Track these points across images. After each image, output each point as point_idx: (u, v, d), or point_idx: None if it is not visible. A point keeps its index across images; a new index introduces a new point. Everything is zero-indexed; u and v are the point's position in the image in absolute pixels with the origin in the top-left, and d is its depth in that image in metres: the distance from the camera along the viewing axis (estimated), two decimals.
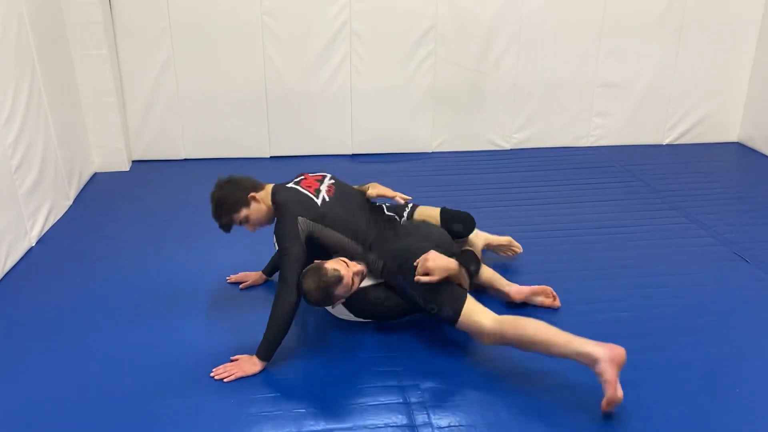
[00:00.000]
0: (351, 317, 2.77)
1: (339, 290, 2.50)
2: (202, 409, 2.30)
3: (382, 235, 2.73)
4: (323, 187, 2.78)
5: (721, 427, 2.22)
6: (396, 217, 2.92)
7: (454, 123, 4.94)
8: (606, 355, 2.21)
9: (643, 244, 3.51)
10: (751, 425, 2.23)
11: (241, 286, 3.11)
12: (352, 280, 2.54)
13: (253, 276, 3.14)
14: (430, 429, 2.21)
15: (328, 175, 2.91)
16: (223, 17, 4.47)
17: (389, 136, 4.91)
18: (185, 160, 4.81)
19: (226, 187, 2.74)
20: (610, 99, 5.00)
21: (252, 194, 2.71)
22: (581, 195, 4.19)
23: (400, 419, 2.26)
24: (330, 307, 2.73)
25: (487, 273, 2.99)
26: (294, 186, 2.77)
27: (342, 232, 2.68)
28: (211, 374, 2.46)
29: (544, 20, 4.72)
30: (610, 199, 4.14)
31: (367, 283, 2.70)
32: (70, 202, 4.02)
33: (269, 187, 2.80)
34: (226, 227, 2.76)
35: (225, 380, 2.44)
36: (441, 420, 2.25)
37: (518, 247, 3.25)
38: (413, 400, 2.35)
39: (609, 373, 2.18)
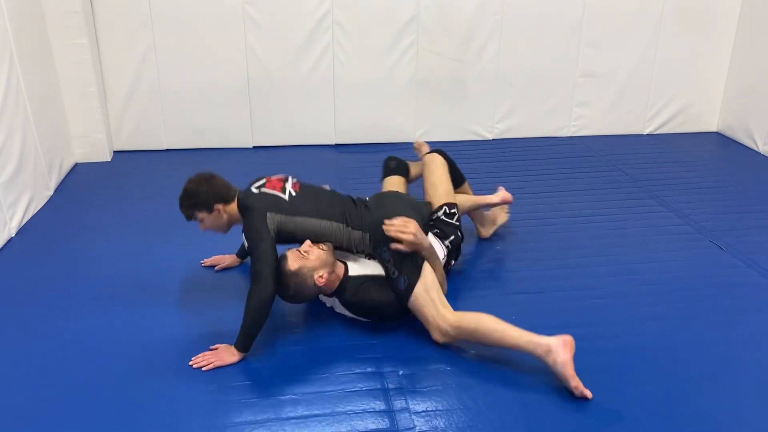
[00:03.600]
0: (348, 314, 2.76)
1: (301, 281, 2.55)
2: (181, 396, 2.32)
3: (357, 212, 2.78)
4: (288, 185, 2.81)
5: (694, 409, 2.26)
6: (364, 197, 2.96)
7: (437, 113, 4.96)
8: (558, 342, 2.33)
9: (622, 233, 3.56)
10: (724, 407, 2.28)
11: (216, 268, 3.16)
12: (320, 263, 2.57)
13: (227, 259, 3.19)
14: (408, 414, 2.24)
15: (290, 176, 2.91)
16: (204, 6, 4.45)
17: (372, 126, 4.92)
18: (167, 150, 4.80)
19: (202, 185, 2.77)
20: (590, 89, 5.04)
21: (217, 206, 2.74)
22: (562, 185, 4.23)
23: (378, 405, 2.28)
24: (330, 306, 2.78)
25: (465, 200, 3.30)
26: (258, 190, 2.76)
27: (317, 217, 2.72)
28: (190, 363, 2.48)
29: (525, 10, 4.74)
30: (590, 188, 4.18)
31: (361, 271, 2.70)
32: (51, 193, 4.01)
33: (237, 195, 2.78)
34: (186, 217, 2.83)
35: (203, 369, 2.46)
36: (418, 405, 2.28)
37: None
38: (391, 386, 2.38)
39: (562, 355, 2.30)
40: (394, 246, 2.61)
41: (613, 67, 4.99)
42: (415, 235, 2.59)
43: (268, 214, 2.64)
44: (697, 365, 2.49)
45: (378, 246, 2.69)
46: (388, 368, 2.47)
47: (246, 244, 2.64)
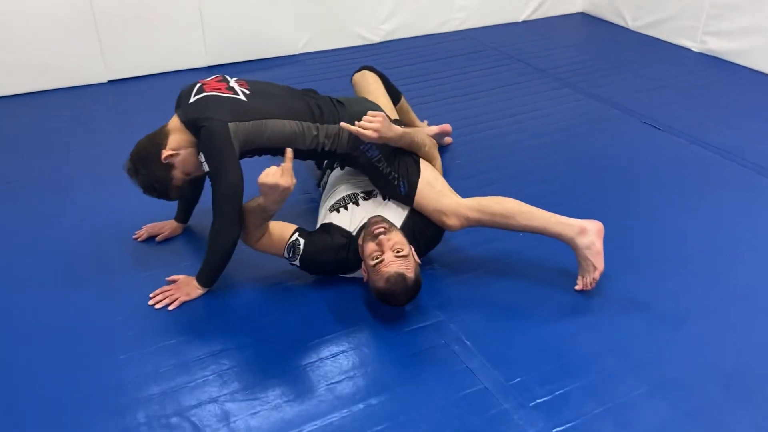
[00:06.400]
0: None
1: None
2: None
3: (328, 107, 2.33)
4: (233, 83, 2.26)
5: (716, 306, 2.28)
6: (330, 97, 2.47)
7: (318, 18, 4.43)
8: (593, 227, 2.18)
9: (561, 127, 3.47)
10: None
11: (158, 238, 2.55)
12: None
13: (167, 226, 2.58)
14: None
15: (225, 74, 2.36)
16: None
17: (249, 40, 4.27)
18: (1, 97, 3.79)
19: (142, 173, 2.19)
20: None
21: (164, 156, 2.15)
22: (475, 84, 4.01)
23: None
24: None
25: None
26: (202, 96, 2.18)
27: (286, 117, 2.22)
28: (150, 302, 2.19)
29: None
30: (505, 84, 4.01)
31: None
32: None
33: (173, 122, 2.20)
34: (177, 198, 2.34)
35: (170, 308, 2.17)
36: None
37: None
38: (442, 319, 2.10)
39: (598, 244, 2.17)
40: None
41: None
42: (378, 130, 2.18)
43: (231, 125, 2.11)
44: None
45: (362, 142, 2.27)
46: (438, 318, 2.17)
47: (206, 169, 2.12)
